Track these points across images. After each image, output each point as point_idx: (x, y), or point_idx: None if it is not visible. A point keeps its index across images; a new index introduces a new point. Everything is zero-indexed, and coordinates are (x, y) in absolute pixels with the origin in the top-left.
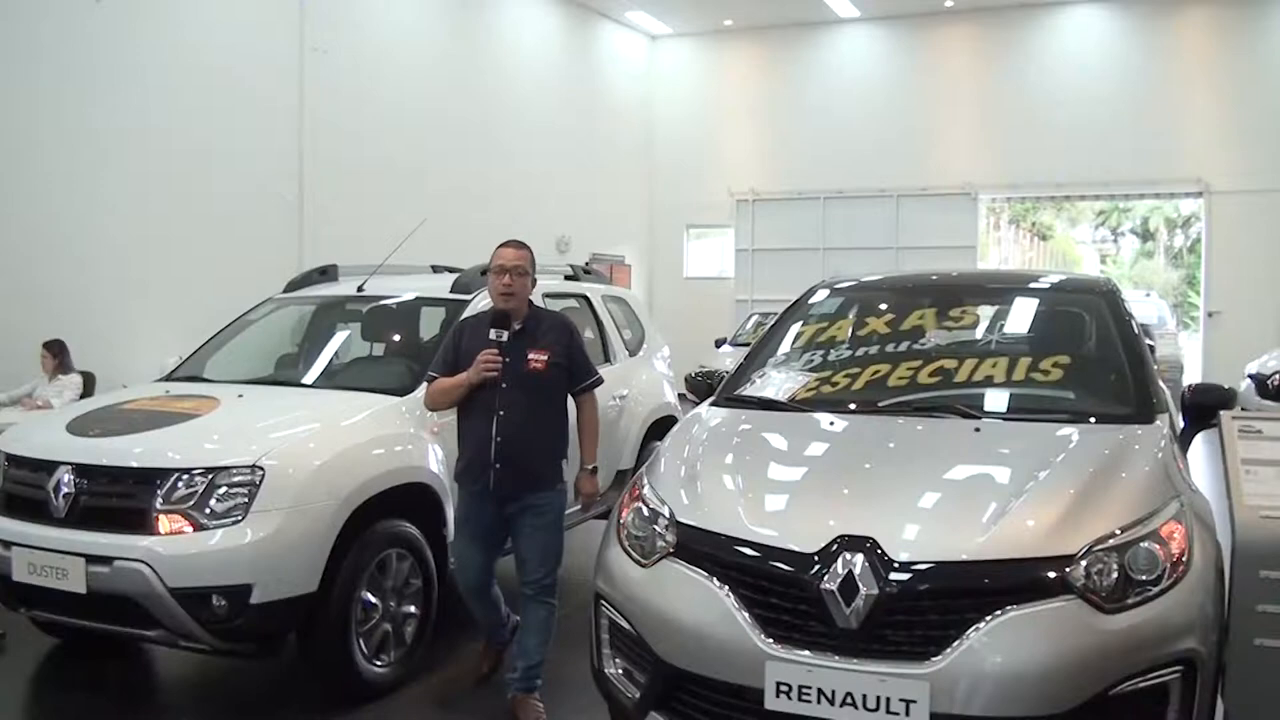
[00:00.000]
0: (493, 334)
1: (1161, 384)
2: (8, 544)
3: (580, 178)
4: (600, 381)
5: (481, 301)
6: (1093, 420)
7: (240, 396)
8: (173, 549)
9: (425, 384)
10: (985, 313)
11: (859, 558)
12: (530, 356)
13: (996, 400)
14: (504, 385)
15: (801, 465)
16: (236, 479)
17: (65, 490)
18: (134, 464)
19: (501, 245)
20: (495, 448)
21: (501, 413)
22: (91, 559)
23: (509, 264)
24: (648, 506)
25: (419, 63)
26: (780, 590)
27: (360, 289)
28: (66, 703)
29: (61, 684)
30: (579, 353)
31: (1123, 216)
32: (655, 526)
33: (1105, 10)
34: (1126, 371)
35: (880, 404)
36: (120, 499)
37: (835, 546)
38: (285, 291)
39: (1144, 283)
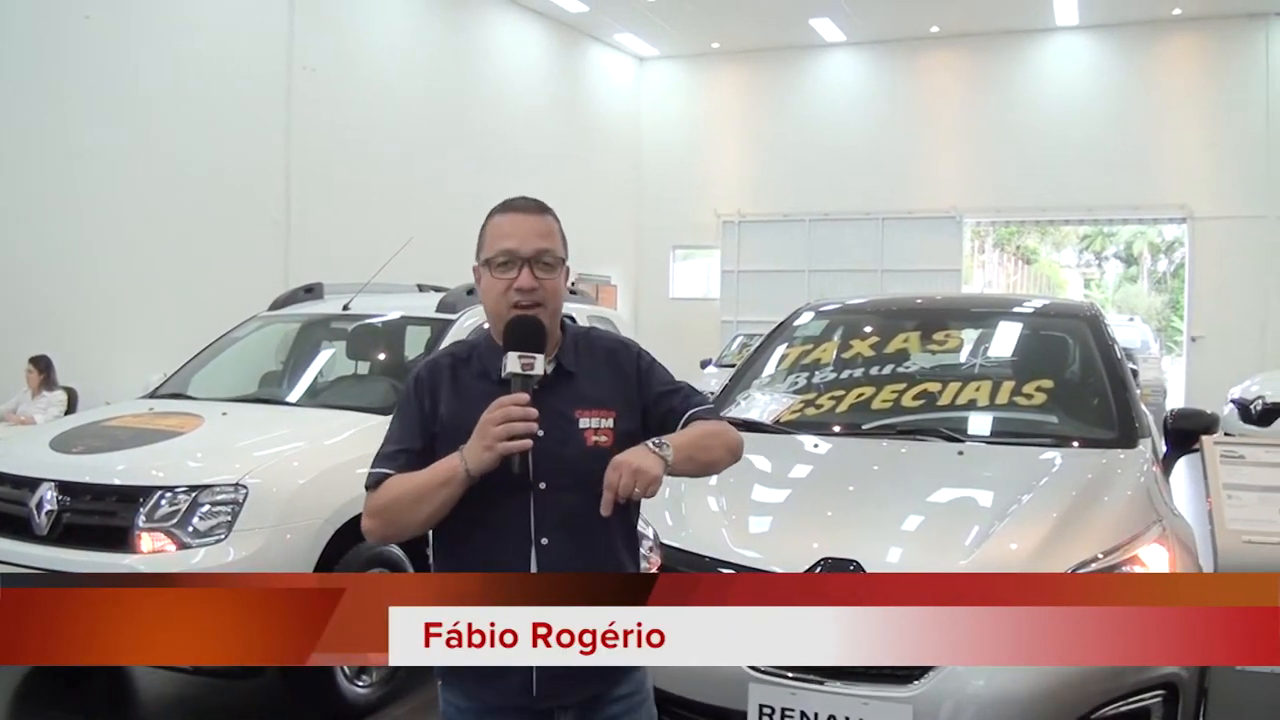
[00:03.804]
0: (514, 362)
1: (1144, 408)
2: None
3: (567, 198)
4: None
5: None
6: (1075, 444)
7: (224, 414)
8: (155, 567)
9: (367, 492)
10: (969, 336)
11: None
12: (585, 423)
13: (980, 424)
14: (543, 484)
15: (785, 487)
16: (220, 497)
17: (48, 507)
18: (117, 481)
19: (501, 210)
20: None
21: (544, 540)
22: None
23: (525, 249)
24: None
25: (407, 83)
26: None
27: (345, 307)
28: None
29: (42, 703)
30: (659, 379)
31: (1107, 241)
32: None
33: (1090, 37)
34: (1109, 396)
35: (864, 427)
36: (103, 516)
37: (819, 569)
38: (270, 309)
39: (1128, 307)
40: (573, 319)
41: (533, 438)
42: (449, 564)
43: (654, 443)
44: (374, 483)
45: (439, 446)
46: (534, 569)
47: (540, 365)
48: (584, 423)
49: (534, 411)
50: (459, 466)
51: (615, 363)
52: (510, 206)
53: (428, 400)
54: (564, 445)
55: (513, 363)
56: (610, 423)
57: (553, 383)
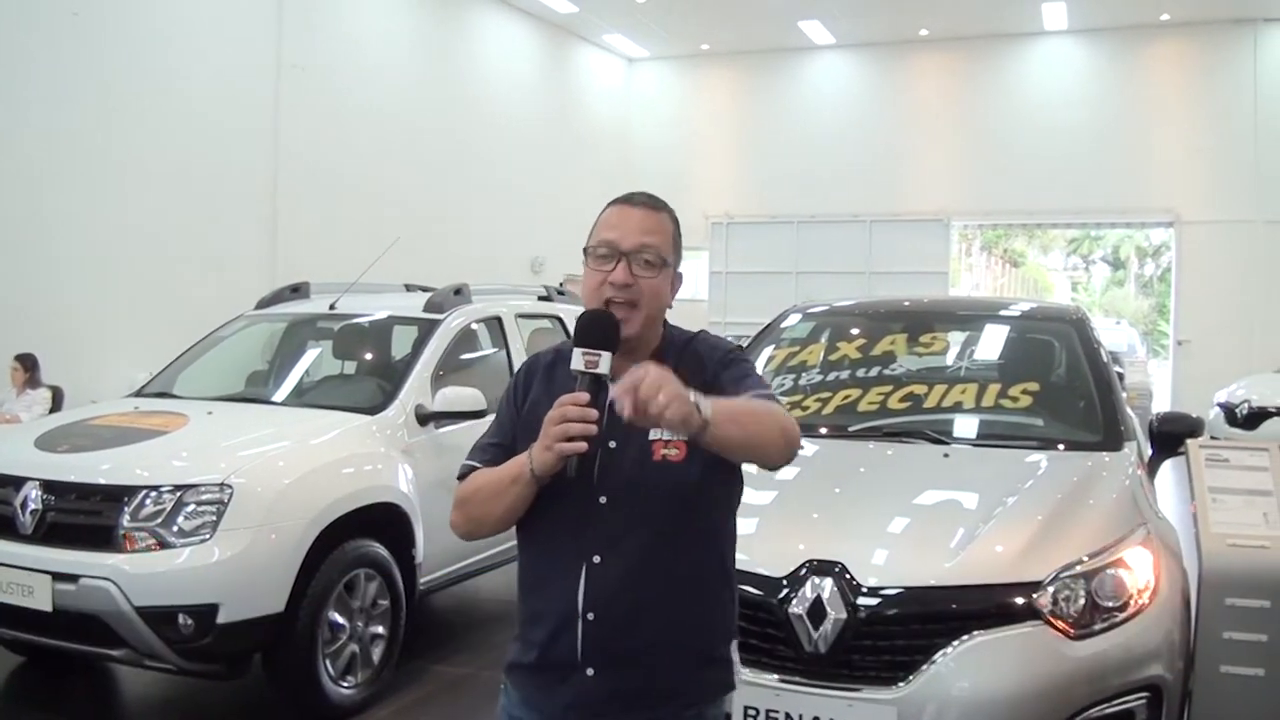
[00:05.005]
0: (578, 359)
1: (1130, 411)
2: None
3: (556, 199)
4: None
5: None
6: (1061, 447)
7: (210, 414)
8: (139, 567)
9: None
10: (956, 339)
11: (827, 582)
12: (655, 433)
13: (966, 426)
14: (603, 498)
15: (771, 489)
16: (205, 497)
17: (32, 506)
18: (102, 481)
19: (614, 201)
20: (583, 634)
21: (596, 559)
22: (58, 576)
23: (625, 242)
24: None
25: (396, 82)
26: (749, 614)
27: (332, 307)
28: None
29: (26, 704)
30: (744, 378)
31: (1094, 244)
32: None
33: (1078, 42)
34: (1095, 399)
35: (850, 429)
36: (87, 516)
37: (804, 571)
38: (257, 308)
39: (1114, 311)
40: (562, 319)
41: (603, 448)
42: (522, 567)
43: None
44: (462, 474)
45: (519, 439)
46: (581, 588)
47: (606, 364)
48: (654, 433)
49: (592, 413)
50: (526, 465)
51: (703, 364)
52: (624, 199)
53: (521, 394)
54: (630, 458)
55: (576, 360)
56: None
57: None
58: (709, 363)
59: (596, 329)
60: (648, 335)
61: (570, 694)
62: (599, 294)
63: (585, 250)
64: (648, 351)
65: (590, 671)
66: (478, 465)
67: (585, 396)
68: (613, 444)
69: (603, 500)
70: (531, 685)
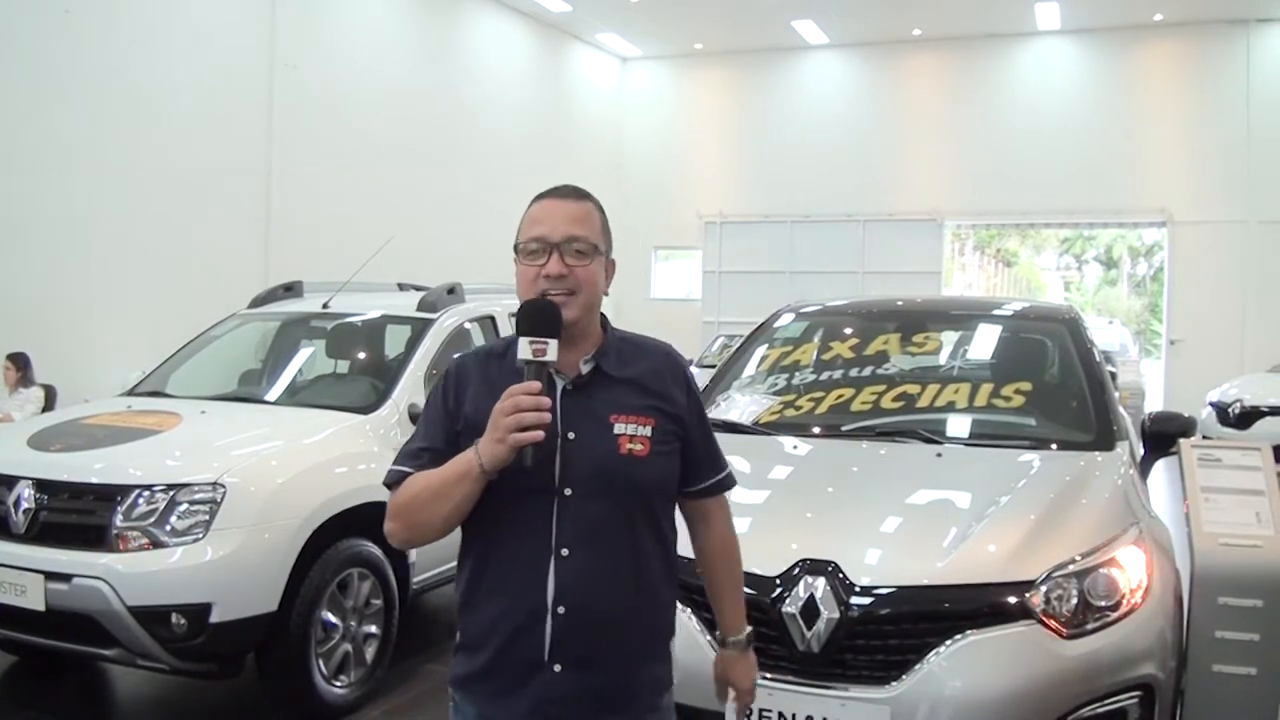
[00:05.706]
0: (525, 348)
1: (1123, 411)
2: None
3: None
4: (733, 479)
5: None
6: (1054, 447)
7: (203, 413)
8: (132, 566)
9: (389, 491)
10: (949, 338)
11: (820, 581)
12: (620, 429)
13: (958, 426)
14: (568, 490)
15: (764, 488)
16: (198, 496)
17: (25, 505)
18: (95, 480)
19: (538, 197)
20: (553, 629)
21: (565, 551)
22: (50, 576)
23: (555, 234)
24: None
25: (389, 80)
26: None
27: (325, 306)
28: None
29: (18, 703)
30: (702, 415)
31: (1087, 244)
32: None
33: (1072, 42)
34: (1087, 399)
35: (843, 428)
36: (80, 515)
37: (797, 570)
38: (250, 307)
39: (1107, 310)
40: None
41: (562, 440)
42: (473, 569)
43: (739, 643)
44: (393, 481)
45: (463, 443)
46: (551, 582)
47: (553, 351)
48: (619, 428)
49: (546, 401)
50: (474, 461)
51: (661, 373)
52: (547, 193)
53: (452, 398)
54: (595, 450)
55: (523, 349)
56: (648, 431)
57: (589, 384)
58: (668, 374)
59: (539, 316)
60: (587, 323)
61: (531, 697)
62: (534, 288)
63: (515, 248)
64: (590, 343)
65: (558, 668)
66: (409, 470)
67: (537, 385)
68: (571, 435)
69: (568, 492)
70: (487, 694)
